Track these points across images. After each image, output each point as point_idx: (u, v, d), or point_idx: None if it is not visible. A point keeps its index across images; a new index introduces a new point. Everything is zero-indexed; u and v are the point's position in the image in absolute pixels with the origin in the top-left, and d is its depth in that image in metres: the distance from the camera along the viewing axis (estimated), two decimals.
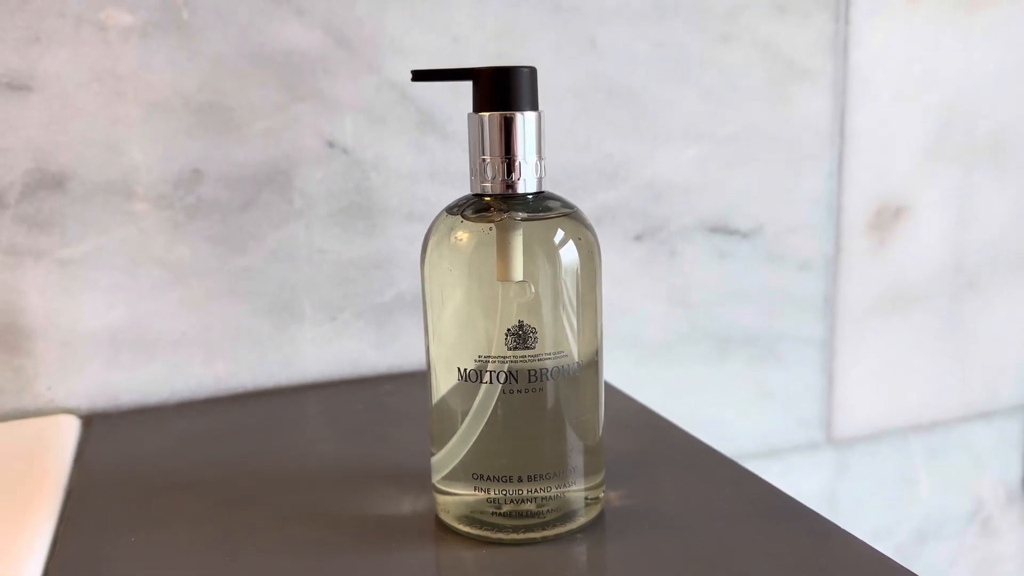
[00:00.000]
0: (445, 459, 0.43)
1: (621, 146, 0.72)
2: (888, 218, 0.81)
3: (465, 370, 0.41)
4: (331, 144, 0.64)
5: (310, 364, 0.67)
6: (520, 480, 0.42)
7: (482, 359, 0.41)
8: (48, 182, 0.59)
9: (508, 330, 0.40)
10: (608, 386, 0.65)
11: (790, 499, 0.46)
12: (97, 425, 0.60)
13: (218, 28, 0.61)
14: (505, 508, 0.43)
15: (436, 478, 0.44)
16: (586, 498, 0.44)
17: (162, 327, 0.63)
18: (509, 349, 0.41)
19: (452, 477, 0.43)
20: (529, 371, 0.41)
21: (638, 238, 0.74)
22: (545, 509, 0.43)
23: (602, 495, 0.45)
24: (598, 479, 0.45)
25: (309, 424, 0.60)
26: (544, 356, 0.41)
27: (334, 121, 0.64)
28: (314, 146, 0.64)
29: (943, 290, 0.85)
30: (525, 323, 0.40)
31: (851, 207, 0.80)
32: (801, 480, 0.84)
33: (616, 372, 0.74)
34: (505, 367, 0.41)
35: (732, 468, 0.51)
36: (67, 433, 0.58)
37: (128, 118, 0.60)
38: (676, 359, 0.77)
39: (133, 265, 0.62)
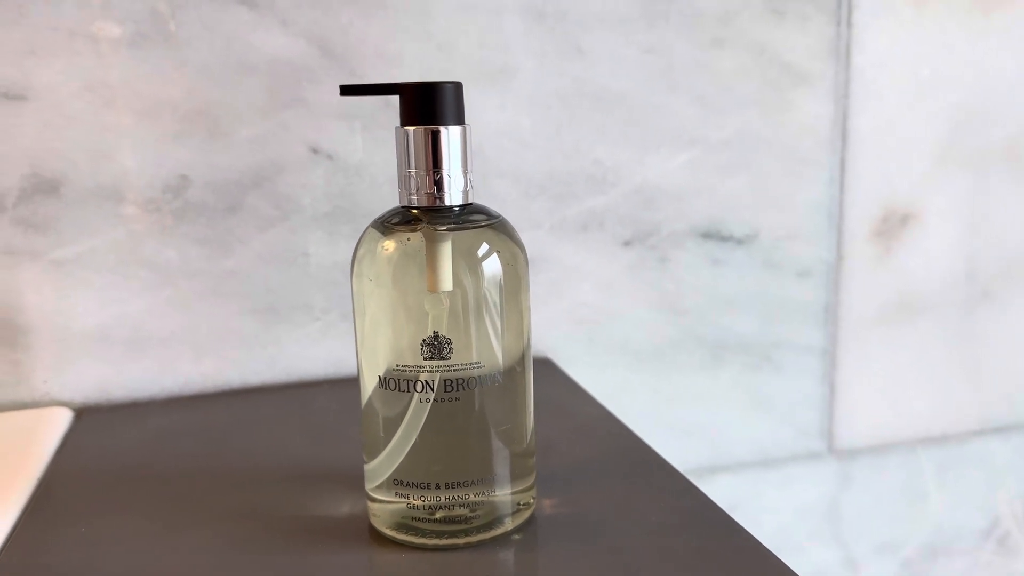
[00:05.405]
0: (376, 471, 0.44)
1: (609, 152, 0.72)
2: (894, 225, 0.80)
3: (384, 379, 0.42)
4: (315, 150, 0.66)
5: (294, 363, 0.69)
6: (438, 487, 0.43)
7: (399, 368, 0.42)
8: (44, 187, 0.62)
9: (423, 340, 0.41)
10: (581, 392, 0.66)
11: (724, 514, 0.46)
12: (87, 418, 0.63)
13: (204, 38, 0.63)
14: (439, 515, 0.44)
15: (368, 487, 0.45)
16: (516, 503, 0.45)
17: (152, 326, 0.66)
18: (424, 359, 0.41)
19: (378, 484, 0.44)
20: (445, 381, 0.42)
21: (627, 244, 0.74)
22: (472, 515, 0.44)
23: (532, 500, 0.46)
24: (526, 484, 0.45)
25: (284, 422, 0.62)
26: (460, 366, 0.42)
27: (318, 128, 0.66)
28: (299, 152, 0.66)
29: (955, 299, 0.83)
30: (440, 334, 0.41)
31: (854, 214, 0.78)
32: (801, 491, 0.83)
33: (605, 378, 0.74)
34: (422, 376, 0.42)
35: (676, 480, 0.50)
36: (57, 425, 0.62)
37: (118, 126, 0.63)
38: (668, 366, 0.77)
39: (123, 266, 0.64)
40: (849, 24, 0.75)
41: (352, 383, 0.68)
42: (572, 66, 0.70)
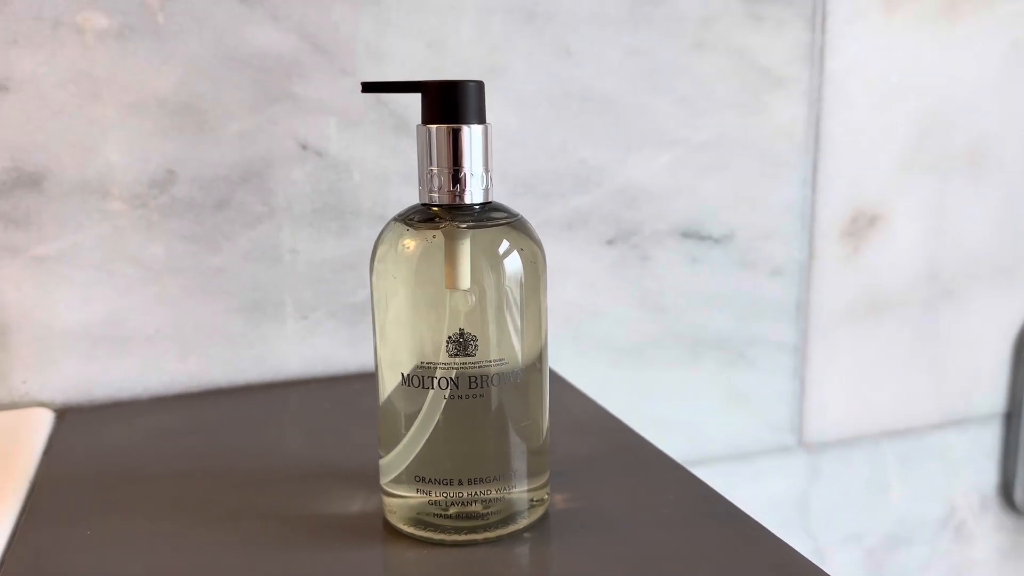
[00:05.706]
0: (392, 464, 0.44)
1: (594, 152, 0.73)
2: (863, 225, 0.82)
3: (407, 375, 0.42)
4: (304, 146, 0.66)
5: (282, 362, 0.68)
6: (461, 483, 0.43)
7: (424, 365, 0.42)
8: (25, 180, 0.61)
9: (449, 337, 0.42)
10: (571, 388, 0.66)
11: (731, 505, 0.47)
12: (70, 418, 0.62)
13: (193, 31, 0.62)
14: (452, 511, 0.44)
15: (384, 481, 0.45)
16: (531, 500, 0.45)
17: (136, 323, 0.64)
18: (450, 356, 0.42)
19: (397, 480, 0.44)
20: (470, 377, 0.42)
21: (610, 242, 0.75)
22: (490, 511, 0.44)
23: (546, 497, 0.47)
24: (541, 481, 0.46)
25: (276, 421, 0.62)
26: (485, 363, 0.42)
27: (308, 124, 0.65)
28: (288, 148, 0.65)
29: (918, 298, 0.86)
30: (466, 331, 0.42)
31: (825, 214, 0.81)
32: (773, 484, 0.85)
33: (587, 374, 0.75)
34: (447, 373, 0.42)
35: (680, 473, 0.52)
36: (40, 426, 0.60)
37: (104, 119, 0.61)
38: (647, 362, 0.78)
39: (108, 263, 0.63)
40: (823, 30, 0.77)
41: (341, 381, 0.68)
42: (560, 66, 0.70)
